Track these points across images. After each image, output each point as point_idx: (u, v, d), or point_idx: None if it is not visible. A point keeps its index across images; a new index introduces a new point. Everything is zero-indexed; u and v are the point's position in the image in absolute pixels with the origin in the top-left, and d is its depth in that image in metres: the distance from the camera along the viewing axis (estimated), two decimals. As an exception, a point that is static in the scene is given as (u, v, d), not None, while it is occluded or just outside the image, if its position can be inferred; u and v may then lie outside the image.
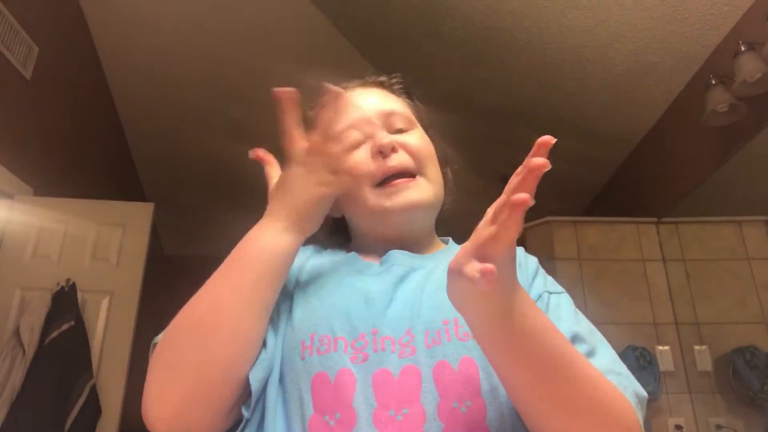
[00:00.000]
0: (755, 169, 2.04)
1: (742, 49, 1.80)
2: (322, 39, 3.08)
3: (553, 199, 3.43)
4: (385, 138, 0.66)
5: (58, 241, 2.36)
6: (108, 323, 2.27)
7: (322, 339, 0.56)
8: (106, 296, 2.30)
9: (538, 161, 0.41)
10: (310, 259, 0.69)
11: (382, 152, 0.66)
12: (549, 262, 2.42)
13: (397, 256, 0.66)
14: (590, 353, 0.56)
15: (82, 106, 3.11)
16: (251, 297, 0.56)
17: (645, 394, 0.56)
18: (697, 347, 2.24)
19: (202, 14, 2.96)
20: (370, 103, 0.71)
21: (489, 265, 0.39)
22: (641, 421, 0.52)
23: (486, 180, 4.02)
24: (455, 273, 0.44)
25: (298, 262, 0.67)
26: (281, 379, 0.56)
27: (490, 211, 0.44)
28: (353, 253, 0.68)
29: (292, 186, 0.59)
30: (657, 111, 2.56)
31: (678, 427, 2.13)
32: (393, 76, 0.78)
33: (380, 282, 0.62)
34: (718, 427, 2.10)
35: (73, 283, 2.23)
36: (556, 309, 0.61)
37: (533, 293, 0.62)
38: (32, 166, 2.51)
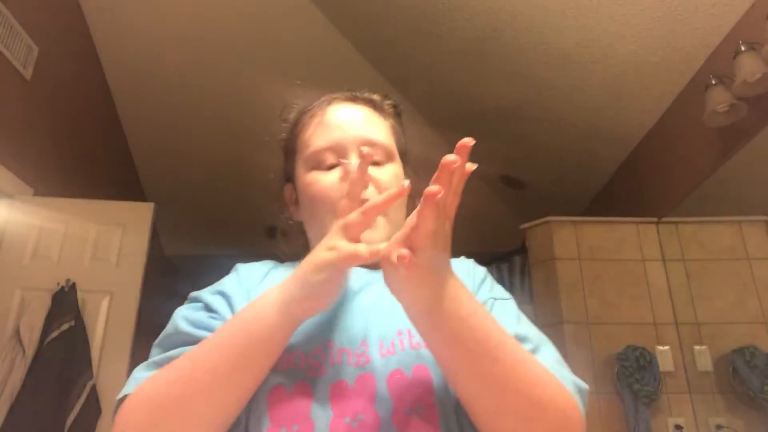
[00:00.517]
0: (755, 169, 2.04)
1: (742, 49, 1.80)
2: (322, 39, 3.08)
3: (553, 199, 3.43)
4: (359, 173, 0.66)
5: (58, 241, 2.36)
6: (108, 323, 2.27)
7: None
8: (106, 296, 2.30)
9: (448, 157, 0.44)
10: (268, 275, 0.69)
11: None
12: (549, 262, 2.42)
13: (353, 271, 0.65)
14: (533, 351, 0.58)
15: (82, 106, 3.11)
16: (239, 374, 0.54)
17: (586, 386, 0.58)
18: (697, 347, 2.24)
19: (202, 14, 2.96)
20: (354, 127, 0.71)
21: (405, 252, 0.45)
22: (583, 410, 0.54)
23: (486, 180, 4.02)
24: (385, 260, 0.47)
25: (256, 277, 0.68)
26: None
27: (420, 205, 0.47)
28: None
29: (312, 259, 0.54)
30: (657, 111, 2.56)
31: (678, 427, 2.13)
32: (385, 96, 0.78)
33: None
34: (718, 427, 2.10)
35: (73, 283, 2.23)
36: (500, 313, 0.63)
37: (479, 299, 0.63)
38: (32, 166, 2.51)
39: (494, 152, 3.53)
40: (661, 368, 2.20)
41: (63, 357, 2.05)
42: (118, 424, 0.53)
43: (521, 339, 0.58)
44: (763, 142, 1.90)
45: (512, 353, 0.52)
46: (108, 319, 2.27)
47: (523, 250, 2.59)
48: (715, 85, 1.95)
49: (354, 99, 0.75)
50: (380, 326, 0.60)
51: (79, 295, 2.22)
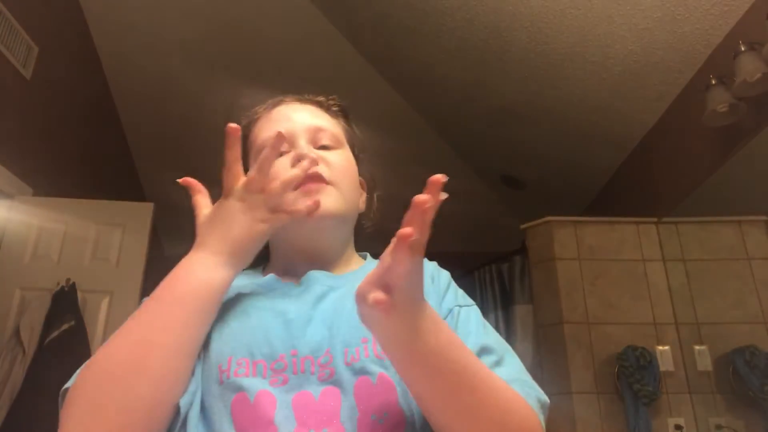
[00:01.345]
0: (755, 169, 2.04)
1: (742, 49, 1.80)
2: (322, 39, 3.08)
3: (553, 199, 3.44)
4: (307, 150, 0.68)
5: (58, 241, 2.36)
6: (108, 323, 2.27)
7: (240, 362, 0.57)
8: (106, 296, 2.30)
9: (421, 198, 0.43)
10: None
11: (301, 161, 0.66)
12: (549, 262, 2.42)
13: (316, 276, 0.66)
14: (498, 362, 0.59)
15: (82, 106, 3.11)
16: (182, 336, 0.55)
17: (547, 399, 0.59)
18: (697, 347, 2.24)
19: (201, 14, 2.96)
20: (300, 117, 0.72)
21: (380, 296, 0.43)
22: (543, 424, 0.56)
23: (486, 179, 4.02)
24: (360, 299, 0.47)
25: None
26: (201, 408, 0.56)
27: (393, 241, 0.46)
28: (271, 275, 0.68)
29: (230, 220, 0.60)
30: (657, 111, 2.56)
31: (678, 427, 2.13)
32: (330, 97, 0.79)
33: (299, 302, 0.63)
34: (718, 427, 2.10)
35: (73, 283, 2.23)
36: (465, 322, 0.63)
37: (444, 306, 0.64)
38: (32, 166, 2.51)
39: (494, 152, 3.53)
40: (661, 368, 2.20)
41: (63, 357, 2.05)
42: (65, 407, 0.52)
43: (487, 350, 0.60)
44: (763, 142, 1.90)
45: (486, 381, 0.52)
46: (108, 319, 2.27)
47: (523, 250, 2.59)
48: (715, 85, 1.95)
49: (300, 100, 0.76)
50: (344, 334, 0.59)
51: (79, 295, 2.22)
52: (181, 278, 0.58)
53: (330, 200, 0.66)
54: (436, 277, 0.69)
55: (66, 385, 0.55)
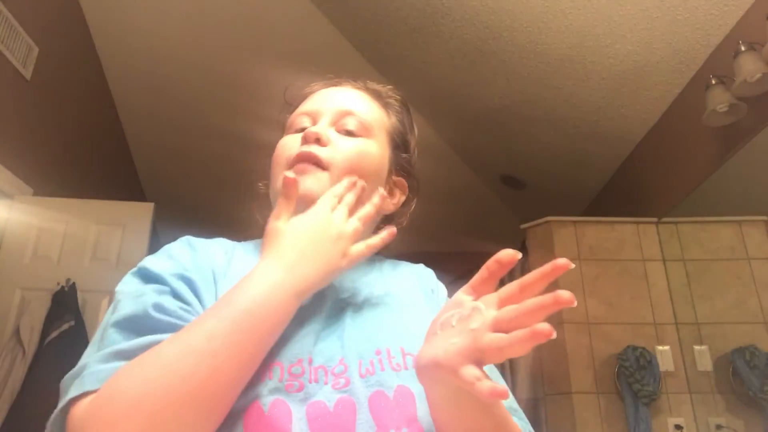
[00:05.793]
0: (755, 169, 2.04)
1: (742, 49, 1.80)
2: (321, 38, 3.08)
3: (553, 199, 3.43)
4: (315, 128, 0.64)
5: (58, 241, 2.36)
6: (108, 323, 2.27)
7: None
8: (106, 296, 2.30)
9: (566, 296, 0.41)
10: (234, 257, 0.62)
11: (306, 140, 0.63)
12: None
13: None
14: None
15: (82, 106, 3.12)
16: (253, 369, 0.51)
17: (532, 430, 0.61)
18: (697, 347, 2.24)
19: (201, 14, 2.96)
20: (335, 99, 0.69)
21: (501, 388, 0.39)
22: None
23: (486, 179, 4.02)
24: (447, 371, 0.43)
25: (219, 256, 0.61)
26: None
27: (489, 316, 0.43)
28: None
29: (319, 247, 0.56)
30: (657, 111, 2.56)
31: (678, 427, 2.13)
32: (389, 87, 0.76)
33: (311, 306, 0.59)
34: (718, 427, 2.10)
35: (73, 283, 2.23)
36: None
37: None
38: (32, 166, 2.51)
39: (494, 152, 3.53)
40: (661, 368, 2.20)
41: (63, 357, 2.05)
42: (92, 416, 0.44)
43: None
44: (763, 142, 1.90)
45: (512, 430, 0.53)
46: (108, 319, 2.27)
47: (523, 250, 2.59)
48: (715, 85, 1.95)
49: (354, 84, 0.73)
50: (358, 344, 0.57)
51: (79, 295, 2.22)
52: (268, 304, 0.52)
53: (316, 185, 0.61)
54: (435, 289, 0.68)
55: (75, 390, 0.47)
